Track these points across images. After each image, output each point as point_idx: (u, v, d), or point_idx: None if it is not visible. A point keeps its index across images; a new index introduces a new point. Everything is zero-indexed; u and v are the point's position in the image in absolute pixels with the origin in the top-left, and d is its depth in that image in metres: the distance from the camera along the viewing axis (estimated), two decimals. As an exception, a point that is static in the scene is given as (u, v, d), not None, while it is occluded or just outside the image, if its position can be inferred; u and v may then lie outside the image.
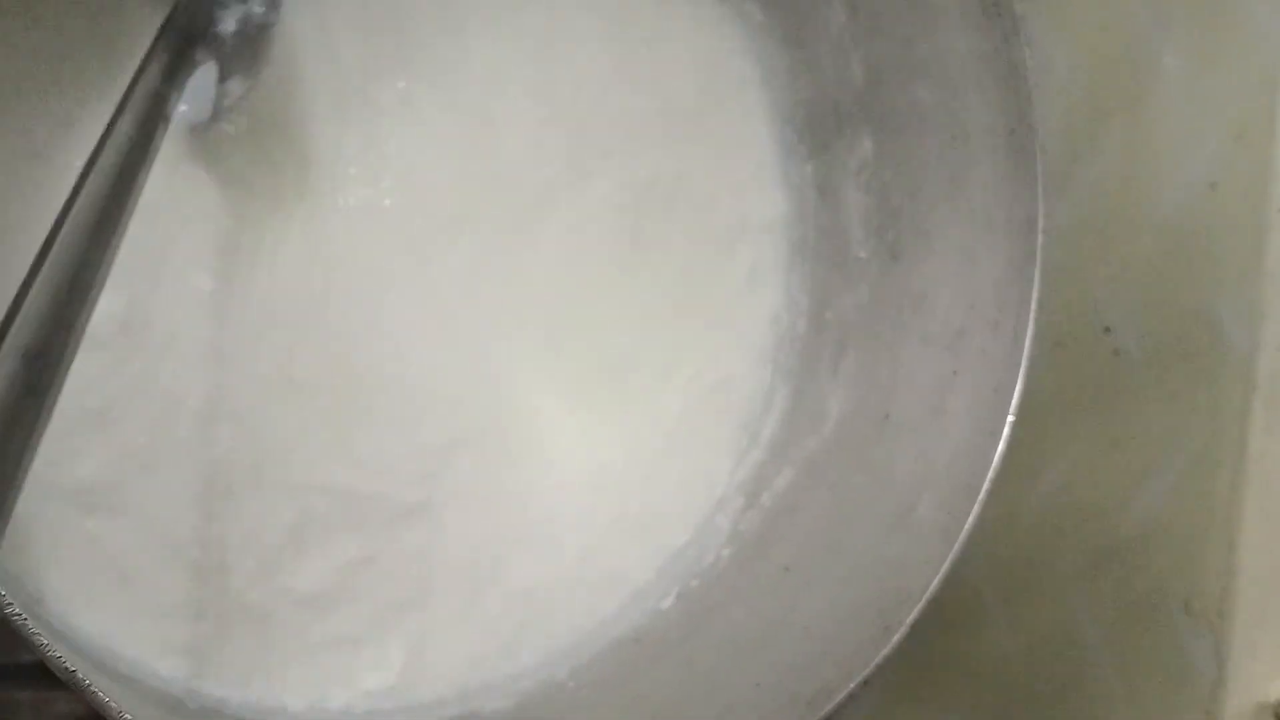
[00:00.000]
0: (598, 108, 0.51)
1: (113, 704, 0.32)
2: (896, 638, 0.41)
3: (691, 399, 0.54)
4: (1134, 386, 0.60)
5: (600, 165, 0.52)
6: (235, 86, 0.41)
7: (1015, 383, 0.44)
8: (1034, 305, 0.44)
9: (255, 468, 0.46)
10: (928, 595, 0.42)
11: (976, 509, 0.43)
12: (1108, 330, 0.61)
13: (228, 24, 0.41)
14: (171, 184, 0.41)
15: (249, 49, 0.40)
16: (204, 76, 0.41)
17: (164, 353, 0.44)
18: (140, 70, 0.36)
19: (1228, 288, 0.60)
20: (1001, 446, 0.43)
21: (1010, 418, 0.44)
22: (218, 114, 0.42)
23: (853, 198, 0.52)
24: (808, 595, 0.47)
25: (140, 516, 0.43)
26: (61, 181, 0.31)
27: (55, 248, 0.28)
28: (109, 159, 0.32)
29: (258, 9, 0.41)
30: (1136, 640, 0.61)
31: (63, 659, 0.32)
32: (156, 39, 0.37)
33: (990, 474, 0.43)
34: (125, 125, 0.33)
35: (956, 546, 0.42)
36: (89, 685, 0.32)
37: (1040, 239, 0.44)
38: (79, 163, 0.31)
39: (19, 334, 0.26)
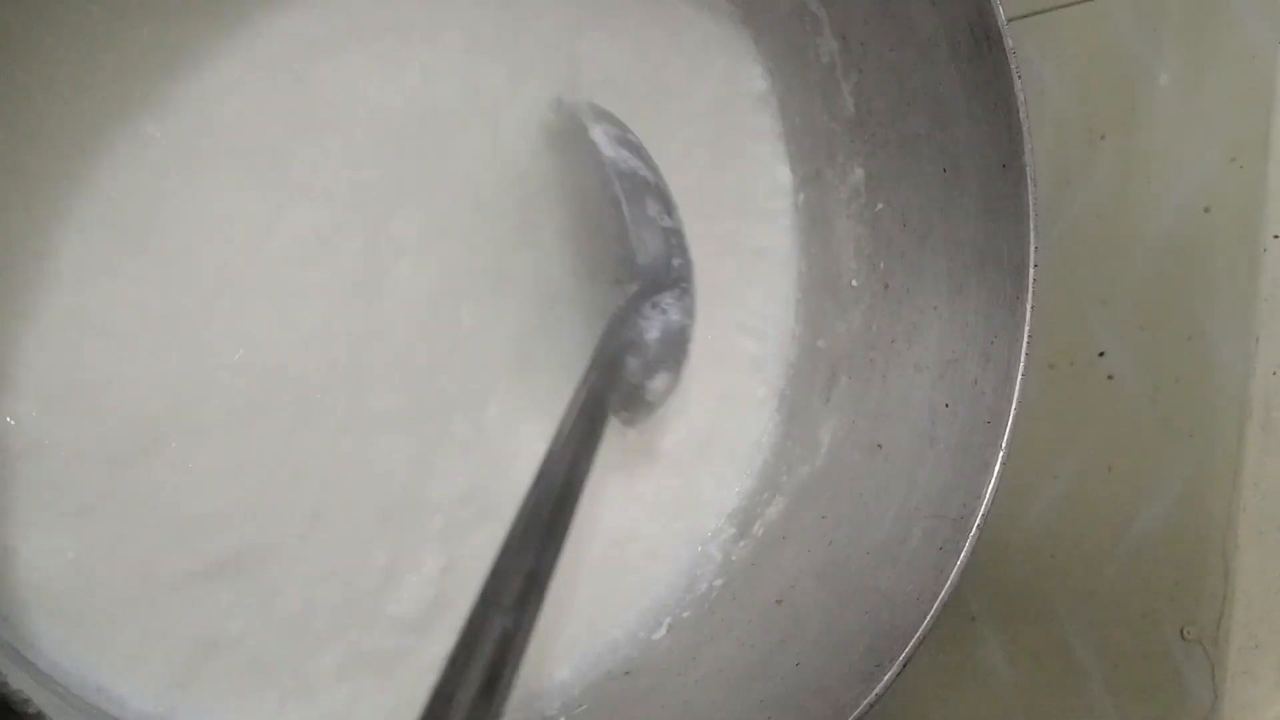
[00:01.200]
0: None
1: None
2: (888, 677, 0.40)
3: (681, 426, 0.54)
4: (1128, 410, 0.60)
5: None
6: (659, 383, 0.45)
7: (1008, 415, 0.44)
8: (1026, 339, 0.44)
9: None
10: (920, 632, 0.41)
11: (969, 544, 0.43)
12: (1101, 354, 0.60)
13: (651, 331, 0.45)
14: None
15: (670, 351, 0.45)
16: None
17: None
18: (584, 378, 0.41)
19: (1221, 311, 0.60)
20: (994, 481, 0.43)
21: (1003, 451, 0.43)
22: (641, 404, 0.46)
23: (845, 226, 0.52)
24: (799, 628, 0.46)
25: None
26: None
27: (527, 518, 0.35)
28: (565, 450, 0.38)
29: (675, 316, 0.45)
30: (1131, 664, 0.60)
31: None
32: (596, 351, 0.43)
33: (983, 508, 0.43)
34: (575, 423, 0.39)
35: (949, 583, 0.42)
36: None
37: (1033, 273, 0.44)
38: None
39: (504, 593, 0.33)
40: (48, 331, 0.38)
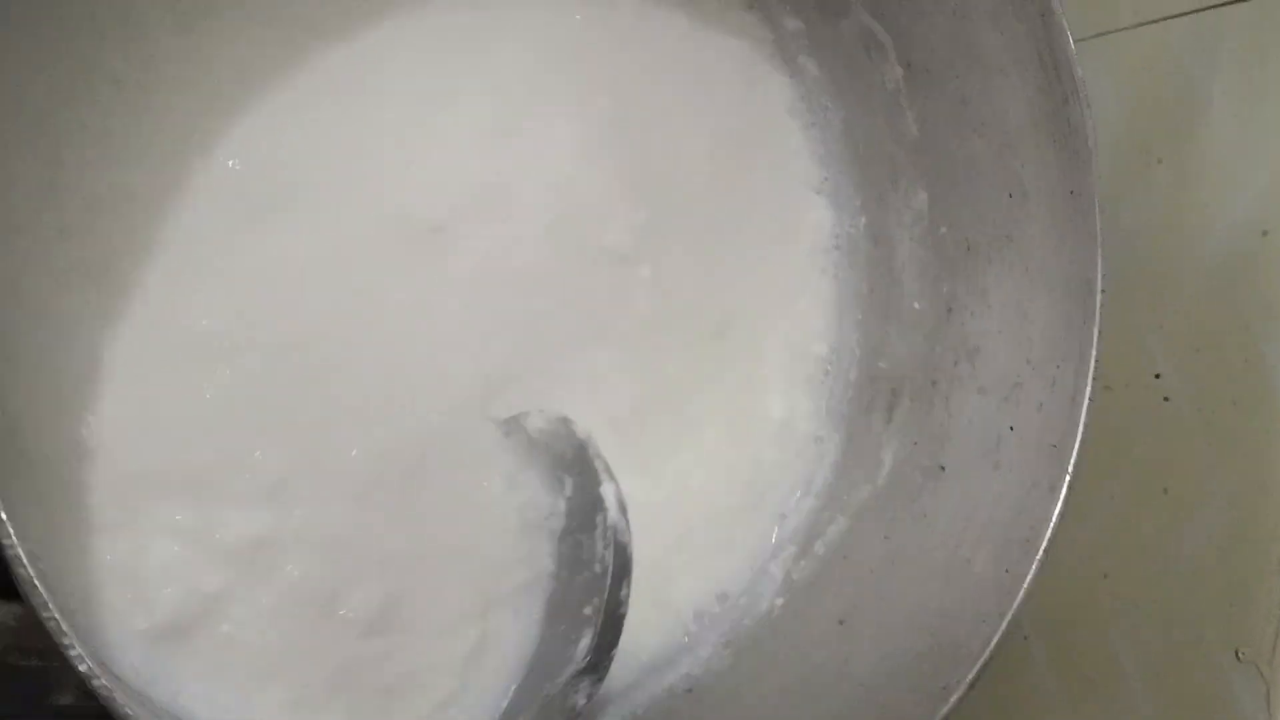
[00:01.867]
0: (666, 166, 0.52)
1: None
2: (954, 698, 0.41)
3: (743, 443, 0.54)
4: (1183, 431, 0.60)
5: (666, 208, 0.52)
6: None
7: (1074, 440, 0.44)
8: (1093, 364, 0.44)
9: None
10: (987, 654, 0.42)
11: (1035, 566, 0.43)
12: (1158, 376, 0.61)
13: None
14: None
15: None
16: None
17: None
18: None
19: (1278, 333, 0.60)
20: (1060, 505, 0.43)
21: (1069, 475, 0.44)
22: None
23: (907, 249, 0.53)
24: (862, 648, 0.47)
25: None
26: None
27: None
28: None
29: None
30: (1184, 685, 0.60)
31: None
32: None
33: (1049, 531, 0.43)
34: None
35: (1015, 604, 0.43)
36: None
37: (1100, 299, 0.44)
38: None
39: None
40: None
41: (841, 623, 0.48)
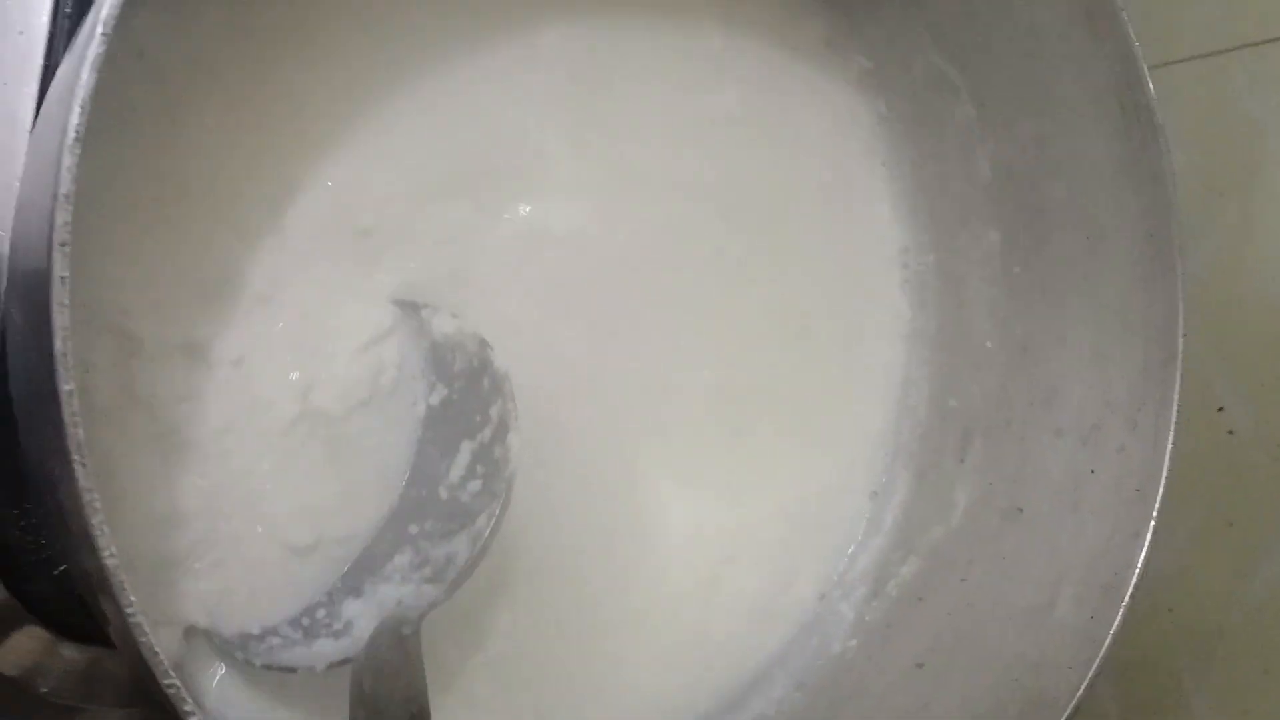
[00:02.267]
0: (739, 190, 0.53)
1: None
2: (1046, 748, 0.41)
3: (811, 484, 0.54)
4: (1248, 466, 0.60)
5: (736, 247, 0.53)
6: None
7: (1158, 485, 0.44)
8: (1175, 408, 0.44)
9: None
10: (1075, 701, 0.42)
11: (1121, 613, 0.43)
12: (1221, 410, 0.60)
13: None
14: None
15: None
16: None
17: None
18: None
19: (1343, 367, 0.60)
20: (1145, 551, 0.43)
21: (1154, 520, 0.44)
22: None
23: (978, 288, 0.53)
24: (942, 693, 0.47)
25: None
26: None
27: None
28: None
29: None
30: (1252, 721, 0.60)
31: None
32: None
33: (1134, 578, 0.43)
34: None
35: (1103, 651, 0.42)
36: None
37: (1181, 343, 0.44)
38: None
39: None
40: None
41: (920, 666, 0.48)
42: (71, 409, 0.29)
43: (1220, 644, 0.61)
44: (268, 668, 0.40)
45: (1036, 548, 0.47)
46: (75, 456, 0.29)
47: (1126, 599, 0.43)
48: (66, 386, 0.29)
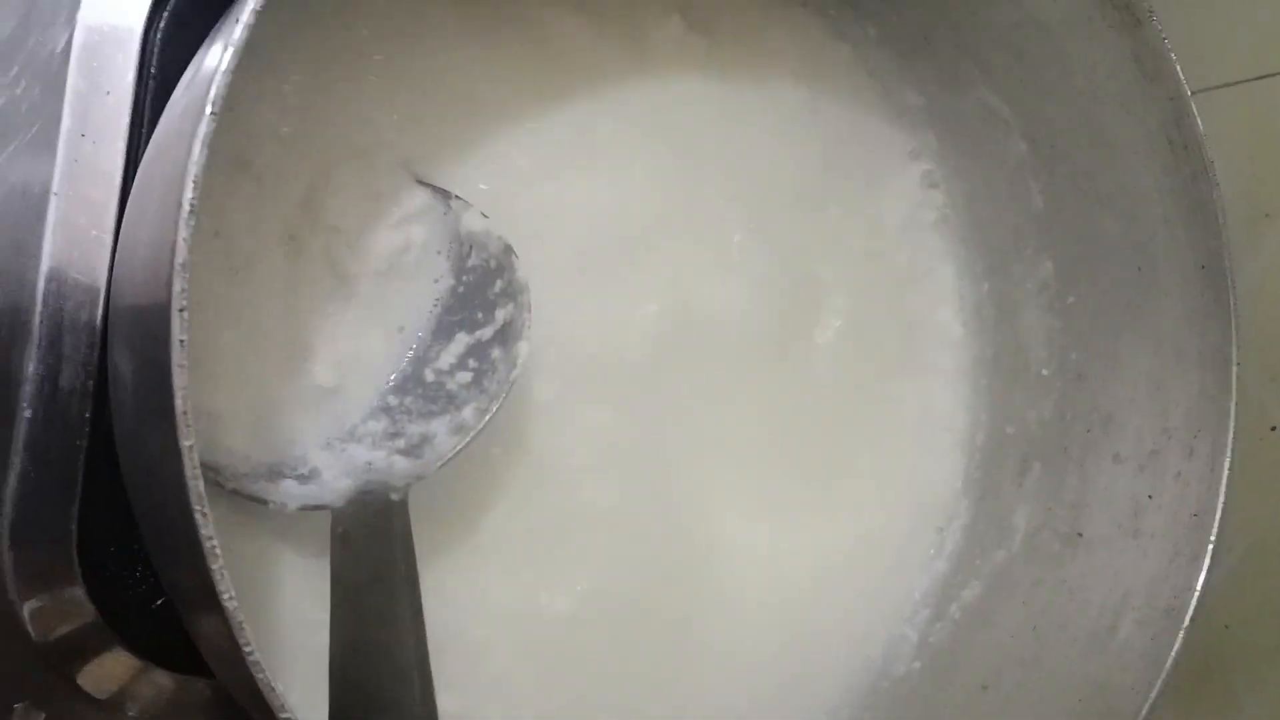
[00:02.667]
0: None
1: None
2: (1114, 768, 0.42)
3: (873, 509, 0.56)
4: (1303, 482, 0.61)
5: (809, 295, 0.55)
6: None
7: (1216, 510, 0.45)
8: (1231, 435, 0.45)
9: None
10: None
11: (1183, 634, 0.44)
12: (1274, 429, 0.61)
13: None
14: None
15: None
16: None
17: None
18: None
19: (1393, 382, 0.60)
20: (1204, 574, 0.44)
21: (1212, 544, 0.45)
22: None
23: (1033, 317, 0.54)
24: (1007, 715, 0.48)
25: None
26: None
27: None
28: None
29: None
30: (1312, 736, 0.61)
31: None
32: None
33: (1194, 600, 0.44)
34: None
35: (1165, 672, 0.43)
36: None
37: (1235, 371, 0.45)
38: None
39: None
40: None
41: (985, 689, 0.49)
42: (193, 463, 0.31)
43: (1276, 661, 0.61)
44: (235, 493, 0.42)
45: (1098, 571, 0.49)
46: (197, 508, 0.31)
47: (1187, 621, 0.44)
48: (187, 443, 0.31)
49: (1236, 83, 0.64)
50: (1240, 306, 0.46)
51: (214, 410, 0.42)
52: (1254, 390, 0.61)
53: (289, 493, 0.42)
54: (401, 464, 0.43)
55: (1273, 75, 0.63)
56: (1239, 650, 0.62)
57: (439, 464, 0.44)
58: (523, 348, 0.45)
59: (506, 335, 0.45)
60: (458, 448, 0.44)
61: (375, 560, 0.41)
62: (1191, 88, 0.65)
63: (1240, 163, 0.63)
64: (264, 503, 0.42)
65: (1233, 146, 0.63)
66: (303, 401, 0.44)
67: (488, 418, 0.44)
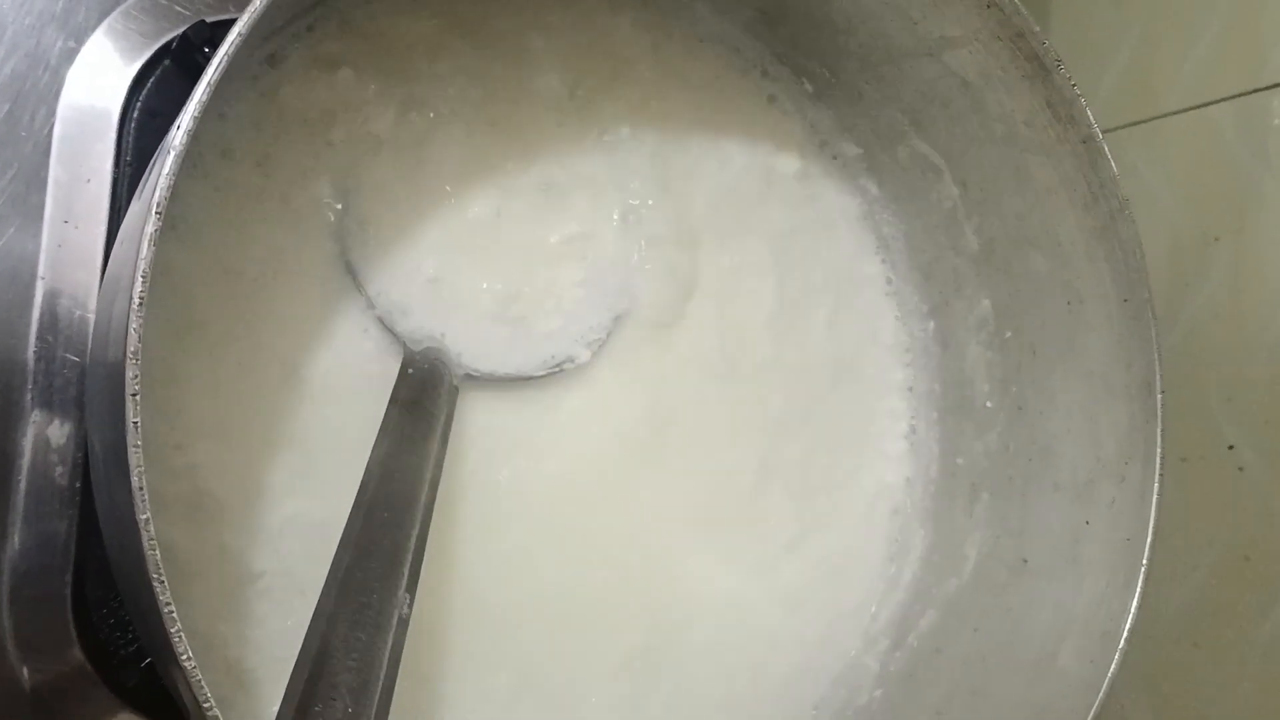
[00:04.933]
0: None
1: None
2: (1049, 792, 0.43)
3: (833, 543, 0.58)
4: (1260, 501, 0.62)
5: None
6: None
7: (1146, 535, 0.46)
8: (1159, 462, 0.47)
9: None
10: (1072, 749, 0.44)
11: (1117, 658, 0.45)
12: (1231, 448, 0.63)
13: None
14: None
15: None
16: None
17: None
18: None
19: (1347, 399, 0.61)
20: (1136, 598, 0.46)
21: (1144, 568, 0.46)
22: None
23: (976, 352, 0.56)
24: (960, 741, 0.49)
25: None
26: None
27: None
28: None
29: None
30: (1278, 752, 0.61)
31: None
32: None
33: (1128, 624, 0.46)
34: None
35: (1100, 696, 0.45)
36: None
37: (1160, 399, 0.47)
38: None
39: None
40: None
41: (939, 714, 0.51)
42: (149, 535, 0.34)
43: (1244, 676, 0.62)
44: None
45: (1042, 598, 0.50)
46: (155, 576, 0.34)
47: (1122, 644, 0.45)
48: (143, 516, 0.34)
49: (1182, 110, 0.66)
50: (1163, 336, 0.48)
51: None
52: (1211, 409, 0.63)
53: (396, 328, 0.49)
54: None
55: (1215, 103, 0.65)
56: (1208, 666, 0.63)
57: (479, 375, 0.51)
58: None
59: None
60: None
61: (422, 403, 0.47)
62: (1130, 119, 0.67)
63: (1188, 188, 0.65)
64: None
65: (1181, 172, 0.65)
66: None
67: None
